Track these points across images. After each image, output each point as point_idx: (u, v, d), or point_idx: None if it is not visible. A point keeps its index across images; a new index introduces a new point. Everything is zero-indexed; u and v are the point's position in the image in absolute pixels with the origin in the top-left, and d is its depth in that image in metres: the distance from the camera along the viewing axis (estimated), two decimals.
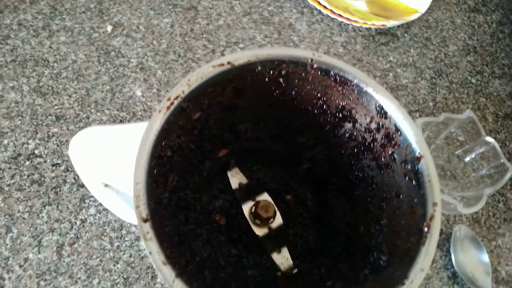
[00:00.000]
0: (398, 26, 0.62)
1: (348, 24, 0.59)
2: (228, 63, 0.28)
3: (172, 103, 0.26)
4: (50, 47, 0.50)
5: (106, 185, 0.31)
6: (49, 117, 0.46)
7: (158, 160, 0.26)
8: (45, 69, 0.49)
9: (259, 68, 0.30)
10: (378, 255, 0.30)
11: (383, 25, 0.57)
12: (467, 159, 0.53)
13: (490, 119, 0.58)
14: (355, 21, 0.57)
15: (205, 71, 0.28)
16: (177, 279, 0.23)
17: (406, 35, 0.62)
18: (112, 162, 0.28)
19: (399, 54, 0.60)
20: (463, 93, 0.59)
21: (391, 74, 0.58)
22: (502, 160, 0.49)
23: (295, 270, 0.37)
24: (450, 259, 0.48)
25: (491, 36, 0.65)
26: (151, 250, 0.23)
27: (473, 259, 0.48)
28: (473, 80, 0.61)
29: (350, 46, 0.59)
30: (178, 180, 0.31)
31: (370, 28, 0.60)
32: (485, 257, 0.48)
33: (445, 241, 0.49)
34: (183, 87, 0.27)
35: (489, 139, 0.50)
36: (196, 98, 0.28)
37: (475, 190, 0.51)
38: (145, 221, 0.23)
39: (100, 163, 0.28)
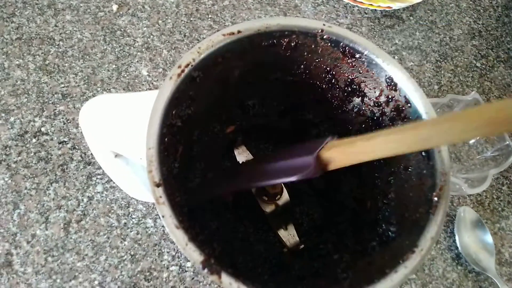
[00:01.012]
0: (404, 9, 0.61)
1: (354, 6, 0.59)
2: (239, 32, 0.28)
3: (183, 71, 0.26)
4: (55, 25, 0.50)
5: (116, 155, 0.31)
6: (55, 95, 0.46)
7: (169, 128, 0.27)
8: (50, 47, 0.48)
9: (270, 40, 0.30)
10: (387, 227, 0.30)
11: (389, 7, 0.57)
12: (472, 141, 0.53)
13: None
14: (361, 3, 0.57)
15: (215, 39, 0.28)
16: (190, 242, 0.23)
17: (411, 18, 0.61)
18: (123, 130, 0.28)
19: (405, 37, 0.60)
20: (468, 77, 0.59)
21: (396, 57, 0.58)
22: (507, 142, 0.49)
23: (302, 246, 0.38)
24: (454, 241, 0.48)
25: (497, 20, 0.65)
26: (164, 213, 0.23)
27: (477, 241, 0.48)
28: (478, 64, 0.61)
29: (356, 29, 0.58)
30: (187, 153, 0.31)
31: (375, 10, 0.59)
32: (489, 239, 0.48)
33: (449, 222, 0.49)
34: (193, 55, 0.27)
35: None
36: (206, 68, 0.28)
37: (479, 172, 0.51)
38: (158, 185, 0.23)
39: (111, 131, 0.28)
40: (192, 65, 0.27)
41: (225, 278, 0.22)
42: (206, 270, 0.22)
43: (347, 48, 0.30)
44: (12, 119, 0.45)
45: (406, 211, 0.30)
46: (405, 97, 0.30)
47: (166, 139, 0.26)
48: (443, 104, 0.51)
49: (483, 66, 0.61)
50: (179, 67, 0.26)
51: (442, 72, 0.59)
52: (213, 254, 0.24)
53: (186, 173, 0.32)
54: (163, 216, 0.23)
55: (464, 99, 0.51)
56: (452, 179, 0.47)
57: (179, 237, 0.23)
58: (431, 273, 0.46)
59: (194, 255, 0.22)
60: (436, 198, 0.27)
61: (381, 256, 0.29)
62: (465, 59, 0.61)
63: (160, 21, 0.52)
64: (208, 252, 0.24)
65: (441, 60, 0.59)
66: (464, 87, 0.58)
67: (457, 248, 0.48)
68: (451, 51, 0.61)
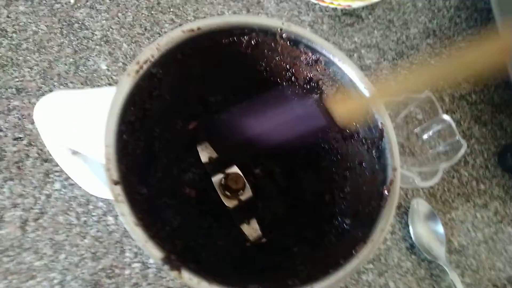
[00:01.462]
0: (363, 8, 0.63)
1: (315, 4, 0.60)
2: (198, 28, 0.28)
3: (141, 67, 0.26)
4: (7, 16, 0.48)
5: (73, 153, 0.31)
6: (9, 90, 0.44)
7: (127, 125, 0.26)
8: (2, 40, 0.46)
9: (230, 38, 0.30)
10: (343, 220, 0.32)
11: (349, 5, 0.59)
12: (425, 136, 0.56)
13: (447, 100, 0.61)
14: (322, 1, 0.58)
15: (175, 35, 0.28)
16: (150, 240, 0.23)
17: (370, 16, 0.63)
18: (80, 127, 0.27)
19: (364, 35, 0.62)
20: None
21: (355, 55, 0.60)
22: (457, 137, 0.52)
23: (264, 240, 0.38)
24: (408, 231, 0.51)
25: (449, 20, 0.68)
26: (123, 211, 0.23)
27: (429, 231, 0.51)
28: (432, 62, 0.64)
29: (317, 26, 0.60)
30: (148, 150, 0.31)
31: (336, 8, 0.61)
32: (440, 229, 0.51)
33: (404, 214, 0.52)
34: (152, 51, 0.27)
35: (445, 117, 0.53)
36: (166, 64, 0.28)
37: (431, 166, 0.53)
38: (116, 183, 0.23)
39: (68, 128, 0.28)
40: (151, 62, 0.27)
41: (185, 274, 0.22)
42: (166, 267, 0.22)
43: (305, 46, 0.31)
44: None
45: (360, 204, 0.31)
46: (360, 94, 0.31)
47: (124, 136, 0.26)
48: (398, 101, 0.53)
49: (437, 64, 0.64)
50: (137, 63, 0.26)
51: (399, 69, 0.61)
52: (175, 251, 0.25)
53: (146, 170, 0.32)
54: (122, 214, 0.23)
55: (418, 97, 0.53)
56: (406, 172, 0.50)
57: (138, 234, 0.23)
58: (387, 263, 0.49)
59: (154, 252, 0.23)
60: (386, 192, 0.28)
61: (336, 247, 0.30)
62: (420, 57, 0.63)
63: (119, 14, 0.51)
64: (169, 249, 0.24)
65: (397, 58, 0.62)
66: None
67: (411, 238, 0.50)
68: (407, 49, 0.63)
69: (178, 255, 0.24)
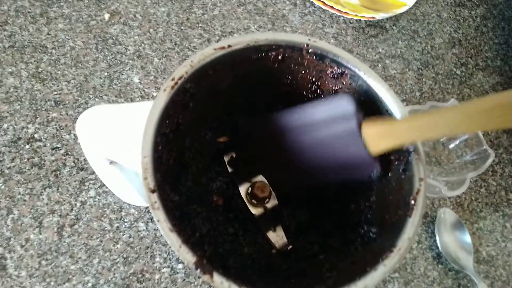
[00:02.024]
0: (387, 19, 0.64)
1: (339, 16, 0.61)
2: (229, 46, 0.30)
3: (176, 83, 0.28)
4: (48, 33, 0.51)
5: (111, 162, 0.33)
6: (48, 102, 0.47)
7: (162, 137, 0.28)
8: (43, 55, 0.49)
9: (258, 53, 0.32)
10: (369, 228, 0.32)
11: (373, 17, 0.59)
12: (452, 146, 0.56)
13: None
14: (346, 13, 0.59)
15: (207, 53, 0.29)
16: (183, 245, 0.24)
17: (394, 27, 0.64)
18: (118, 138, 0.29)
19: (388, 46, 0.62)
20: (448, 84, 0.62)
21: (380, 65, 0.60)
22: (485, 147, 0.52)
23: (290, 247, 0.39)
24: (435, 241, 0.50)
25: (475, 29, 0.68)
26: (159, 218, 0.24)
27: (456, 241, 0.51)
28: (458, 72, 0.63)
29: (341, 38, 0.60)
30: (179, 159, 0.32)
31: (360, 20, 0.62)
32: (468, 239, 0.51)
33: (430, 223, 0.52)
34: (186, 68, 0.28)
35: None
36: (198, 80, 0.30)
37: (458, 175, 0.53)
38: (153, 191, 0.25)
39: (106, 140, 0.30)
40: (184, 78, 0.28)
41: (217, 278, 0.24)
42: (198, 270, 0.23)
43: (331, 61, 0.32)
44: (5, 125, 0.45)
45: (386, 213, 0.32)
46: (386, 109, 0.32)
47: (159, 147, 0.27)
48: (424, 111, 0.53)
49: (463, 74, 0.63)
50: (173, 79, 0.28)
51: (424, 79, 0.61)
52: (205, 256, 0.26)
53: (178, 179, 0.34)
54: (158, 221, 0.24)
55: (443, 106, 0.53)
56: (432, 182, 0.50)
57: (173, 240, 0.24)
58: (413, 272, 0.48)
59: (187, 256, 0.24)
60: (413, 201, 0.29)
61: (363, 255, 0.31)
62: (446, 67, 0.63)
63: (151, 30, 0.54)
64: (200, 254, 0.25)
65: (422, 68, 0.62)
66: (445, 94, 0.61)
67: (437, 247, 0.50)
68: (432, 59, 0.63)
69: (208, 260, 0.25)
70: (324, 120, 0.31)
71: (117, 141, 0.29)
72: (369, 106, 0.33)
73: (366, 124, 0.30)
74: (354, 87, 0.33)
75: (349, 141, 0.30)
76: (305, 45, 0.32)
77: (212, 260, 0.25)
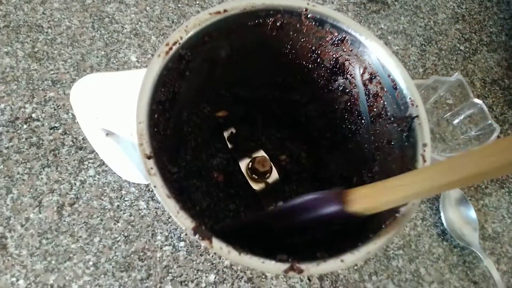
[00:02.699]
0: None
1: None
2: (225, 10, 0.29)
3: (170, 48, 0.27)
4: (43, 13, 0.50)
5: (107, 134, 0.32)
6: (45, 82, 0.46)
7: (158, 105, 0.27)
8: (39, 35, 0.49)
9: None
10: None
11: None
12: (456, 121, 0.55)
13: (478, 85, 0.60)
14: None
15: (202, 17, 0.28)
16: (181, 211, 0.24)
17: (396, 3, 0.63)
18: (113, 107, 0.28)
19: (390, 21, 0.61)
20: (452, 60, 0.61)
21: (382, 41, 0.59)
22: (490, 121, 0.51)
23: None
24: (440, 217, 0.50)
25: (479, 4, 0.66)
26: (156, 184, 0.24)
27: (461, 217, 0.50)
28: (462, 47, 0.62)
29: (342, 14, 0.59)
30: (177, 131, 0.31)
31: None
32: (473, 215, 0.50)
33: (435, 200, 0.51)
34: (181, 33, 0.28)
35: (477, 100, 0.51)
36: (193, 46, 0.29)
37: (464, 151, 0.52)
38: (149, 157, 0.24)
39: (102, 109, 0.29)
40: (179, 43, 0.28)
41: (216, 243, 0.23)
42: (197, 236, 0.23)
43: (331, 26, 0.31)
44: (2, 105, 0.45)
45: None
46: (388, 74, 0.31)
47: (155, 115, 0.27)
48: (427, 85, 0.52)
49: (467, 50, 0.62)
50: (167, 44, 0.27)
51: (427, 55, 0.60)
52: (205, 225, 0.25)
53: (176, 152, 0.33)
54: (154, 186, 0.24)
55: (448, 80, 0.52)
56: (437, 157, 0.49)
57: (170, 205, 0.23)
58: (418, 249, 0.48)
59: (186, 222, 0.23)
60: (420, 161, 0.28)
61: (366, 223, 0.30)
62: (449, 43, 0.62)
63: (148, 8, 0.53)
64: (199, 221, 0.25)
65: (425, 44, 0.61)
66: (448, 70, 0.60)
67: (442, 224, 0.49)
68: (436, 35, 0.62)
69: (208, 223, 0.24)
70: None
71: (112, 109, 0.28)
72: (370, 73, 0.32)
73: (354, 197, 0.27)
74: (356, 53, 0.32)
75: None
76: (304, 10, 0.31)
77: (212, 229, 0.25)
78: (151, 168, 0.24)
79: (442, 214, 0.50)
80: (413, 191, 0.23)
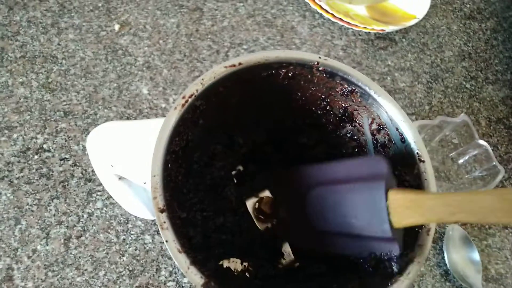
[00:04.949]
0: (397, 31, 0.63)
1: (348, 28, 0.61)
2: (240, 64, 0.30)
3: (186, 101, 0.28)
4: (58, 44, 0.51)
5: (120, 178, 0.33)
6: (58, 113, 0.47)
7: (171, 155, 0.28)
8: (53, 66, 0.50)
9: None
10: (378, 252, 0.32)
11: (382, 30, 0.59)
12: (461, 161, 0.55)
13: (483, 123, 0.60)
14: (355, 26, 0.59)
15: (218, 71, 0.29)
16: (192, 266, 0.24)
17: (404, 40, 0.64)
18: (128, 155, 0.29)
19: (397, 58, 0.62)
20: (457, 98, 0.61)
21: (389, 78, 0.60)
22: (494, 163, 0.51)
23: (297, 264, 0.39)
24: (443, 257, 0.50)
25: (485, 42, 0.67)
26: (168, 238, 0.24)
27: (464, 258, 0.50)
28: (468, 85, 0.63)
29: (350, 50, 0.60)
30: (187, 175, 0.32)
31: (369, 32, 0.61)
32: (476, 256, 0.50)
33: (438, 240, 0.51)
34: (197, 86, 0.28)
35: (482, 142, 0.52)
36: (208, 97, 0.30)
37: (467, 191, 0.52)
38: (162, 211, 0.25)
39: (117, 156, 0.30)
40: (195, 95, 0.28)
41: None
42: None
43: (341, 79, 0.32)
44: (15, 135, 0.46)
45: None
46: (396, 127, 0.32)
47: (169, 165, 0.27)
48: (433, 125, 0.53)
49: (473, 87, 0.63)
50: (183, 97, 0.28)
51: (433, 93, 0.61)
52: (214, 275, 0.26)
53: (185, 195, 0.34)
54: (166, 241, 0.24)
55: (453, 121, 0.53)
56: None
57: (181, 260, 0.24)
58: None
59: (195, 278, 0.24)
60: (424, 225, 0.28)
61: (372, 278, 0.30)
62: (455, 80, 0.63)
63: (161, 41, 0.54)
64: (208, 274, 0.25)
65: (432, 81, 0.62)
66: (454, 108, 0.60)
67: (445, 264, 0.49)
68: (442, 72, 0.63)
69: (218, 280, 0.25)
70: (351, 178, 0.29)
71: (127, 157, 0.29)
72: (379, 124, 0.33)
73: (394, 191, 0.27)
74: (364, 104, 0.33)
75: (372, 206, 0.28)
76: (316, 63, 0.32)
77: (222, 281, 0.25)
78: (164, 222, 0.25)
79: (445, 255, 0.50)
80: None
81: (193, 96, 0.28)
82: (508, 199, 0.22)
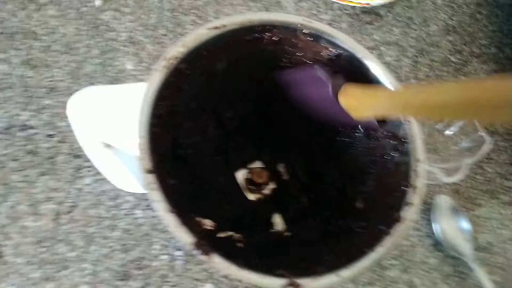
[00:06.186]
0: (382, 5, 0.63)
1: (333, 2, 0.60)
2: (223, 26, 0.29)
3: (170, 63, 0.27)
4: (38, 20, 0.50)
5: (106, 146, 0.32)
6: (41, 89, 0.46)
7: (157, 119, 0.28)
8: (34, 42, 0.49)
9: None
10: (366, 212, 0.32)
11: (367, 3, 0.59)
12: (447, 132, 0.56)
13: None
14: None
15: (200, 32, 0.29)
16: (181, 226, 0.24)
17: (389, 14, 0.64)
18: (112, 120, 0.29)
19: (383, 33, 0.62)
20: (443, 71, 0.62)
21: (375, 52, 0.60)
22: (479, 133, 0.52)
23: (288, 233, 0.39)
24: (432, 228, 0.50)
25: (470, 16, 0.68)
26: (155, 199, 0.24)
27: (454, 227, 0.51)
28: (453, 59, 0.63)
29: (336, 24, 0.60)
30: (176, 141, 0.32)
31: (355, 6, 0.61)
32: (465, 226, 0.51)
33: (427, 210, 0.52)
34: (179, 48, 0.28)
35: None
36: (192, 61, 0.29)
37: (455, 162, 0.53)
38: (149, 172, 0.25)
39: (101, 122, 0.29)
40: (178, 58, 0.28)
41: (215, 258, 0.23)
42: (197, 251, 0.23)
43: (326, 42, 0.32)
44: None
45: (384, 197, 0.32)
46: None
47: (156, 128, 0.27)
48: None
49: (458, 61, 0.63)
50: (165, 59, 0.27)
51: (419, 66, 0.61)
52: (204, 237, 0.26)
53: (174, 163, 0.33)
54: (154, 201, 0.24)
55: None
56: (429, 168, 0.50)
57: (170, 220, 0.24)
58: (412, 259, 0.48)
59: (185, 237, 0.24)
60: (411, 183, 0.29)
61: (361, 238, 0.31)
62: (441, 54, 0.63)
63: (143, 16, 0.53)
64: (199, 235, 0.25)
65: (418, 55, 0.62)
66: (441, 81, 0.61)
67: (434, 234, 0.50)
68: (428, 46, 0.63)
69: (208, 241, 0.25)
70: (303, 82, 0.31)
71: (111, 123, 0.28)
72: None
73: (344, 92, 0.29)
74: (349, 67, 0.33)
75: (329, 104, 0.30)
76: (299, 25, 0.31)
77: (212, 242, 0.25)
78: (151, 183, 0.24)
79: (434, 224, 0.51)
80: (391, 102, 0.25)
81: (176, 59, 0.28)
82: (469, 97, 0.21)
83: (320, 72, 0.30)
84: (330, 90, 0.29)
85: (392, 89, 0.29)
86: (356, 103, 0.28)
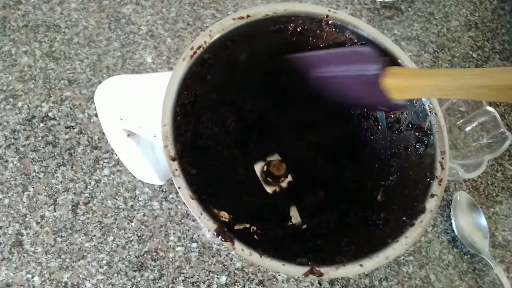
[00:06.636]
0: (402, 0, 0.63)
1: None
2: (248, 16, 0.29)
3: (195, 52, 0.27)
4: (61, 13, 0.50)
5: (128, 135, 0.32)
6: (62, 81, 0.47)
7: (181, 107, 0.28)
8: (56, 35, 0.49)
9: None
10: (388, 205, 0.32)
11: None
12: (468, 129, 0.55)
13: None
14: None
15: (226, 23, 0.29)
16: (204, 212, 0.24)
17: (410, 9, 0.63)
18: (137, 109, 0.29)
19: (403, 27, 0.61)
20: (464, 67, 0.61)
21: (400, 49, 0.59)
22: (502, 129, 0.51)
23: (304, 226, 0.39)
24: (451, 224, 0.50)
25: (492, 12, 0.66)
26: (180, 185, 0.24)
27: (472, 224, 0.50)
28: (474, 55, 0.62)
29: None
30: (198, 131, 0.32)
31: (375, 1, 0.61)
32: (484, 222, 0.50)
33: (446, 207, 0.51)
34: (205, 38, 0.28)
35: (489, 108, 0.52)
36: (216, 50, 0.29)
37: (475, 158, 0.52)
38: (174, 159, 0.25)
39: (126, 110, 0.29)
40: (203, 48, 0.28)
41: (238, 245, 0.23)
42: (220, 237, 0.23)
43: (351, 33, 0.32)
44: (20, 104, 0.45)
45: (406, 188, 0.31)
46: None
47: (179, 117, 0.27)
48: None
49: (479, 57, 0.62)
50: (192, 48, 0.27)
51: (440, 62, 0.60)
52: (227, 225, 0.25)
53: (195, 153, 0.33)
54: (179, 188, 0.24)
55: None
56: (448, 164, 0.49)
57: (194, 207, 0.24)
58: (428, 255, 0.48)
59: (208, 223, 0.24)
60: (437, 175, 0.28)
61: (382, 230, 0.30)
62: (462, 50, 0.62)
63: (164, 10, 0.53)
64: (221, 222, 0.25)
65: (438, 50, 0.61)
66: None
67: (453, 231, 0.49)
68: (448, 42, 0.62)
69: (229, 229, 0.25)
70: (339, 61, 0.31)
71: (136, 111, 0.29)
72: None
73: (393, 71, 0.28)
74: None
75: (365, 82, 0.29)
76: (325, 16, 0.31)
77: (235, 230, 0.25)
78: (176, 170, 0.24)
79: (453, 221, 0.50)
80: (441, 83, 0.25)
81: (201, 48, 0.28)
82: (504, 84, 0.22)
83: (370, 50, 0.29)
84: (379, 67, 0.28)
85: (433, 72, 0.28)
86: (406, 83, 0.27)
